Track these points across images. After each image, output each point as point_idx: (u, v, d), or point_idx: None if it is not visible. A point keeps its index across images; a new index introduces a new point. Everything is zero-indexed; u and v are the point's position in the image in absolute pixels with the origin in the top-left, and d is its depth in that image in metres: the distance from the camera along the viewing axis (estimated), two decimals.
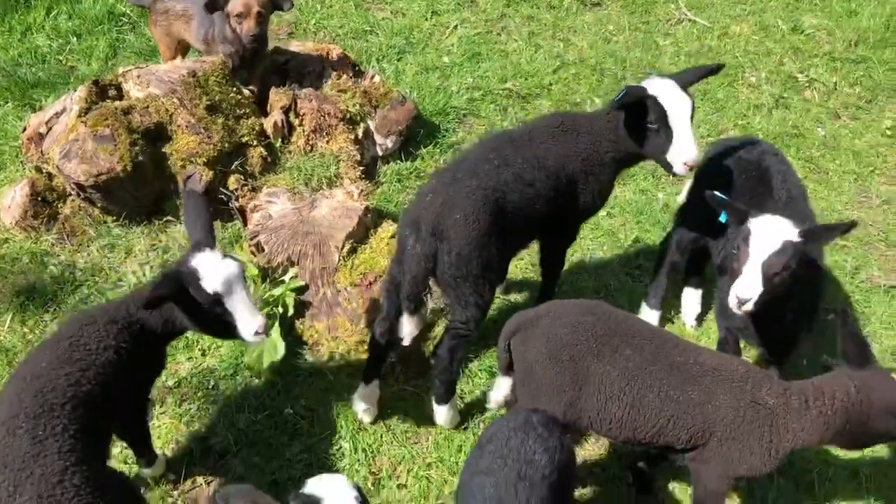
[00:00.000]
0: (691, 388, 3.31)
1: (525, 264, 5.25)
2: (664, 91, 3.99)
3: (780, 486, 4.15)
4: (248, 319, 3.30)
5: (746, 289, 3.50)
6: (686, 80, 4.12)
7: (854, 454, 4.20)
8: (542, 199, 4.06)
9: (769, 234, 3.51)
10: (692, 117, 4.02)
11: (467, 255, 3.82)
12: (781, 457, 3.33)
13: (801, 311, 3.96)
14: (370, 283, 4.54)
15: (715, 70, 4.32)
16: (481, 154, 4.04)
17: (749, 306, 3.51)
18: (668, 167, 4.10)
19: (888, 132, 6.82)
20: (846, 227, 3.61)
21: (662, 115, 3.97)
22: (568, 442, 3.20)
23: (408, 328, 4.00)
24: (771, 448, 3.31)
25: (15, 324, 4.58)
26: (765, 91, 7.08)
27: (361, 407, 4.27)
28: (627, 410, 3.35)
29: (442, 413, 4.23)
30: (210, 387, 4.36)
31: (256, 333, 3.32)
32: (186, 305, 3.30)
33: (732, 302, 3.53)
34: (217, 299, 3.24)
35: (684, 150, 4.01)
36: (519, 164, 4.00)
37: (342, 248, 4.61)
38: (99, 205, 5.08)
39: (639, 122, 4.05)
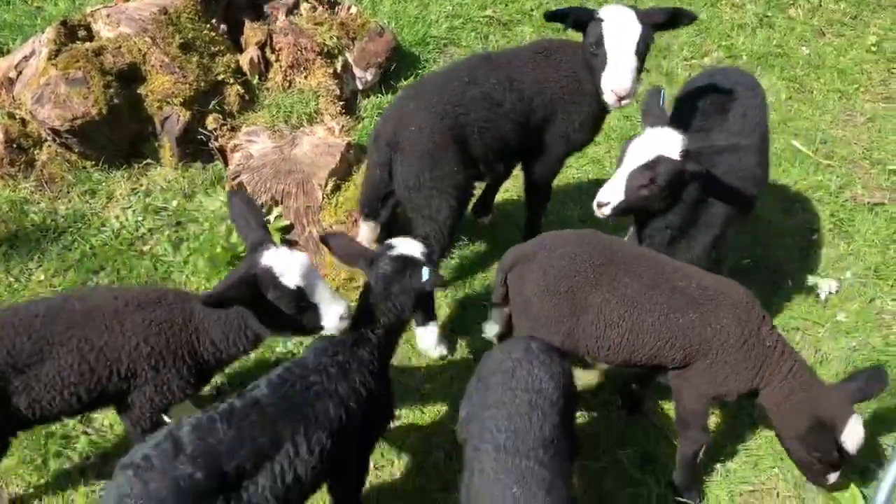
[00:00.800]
0: (693, 312, 3.36)
1: (511, 196, 5.23)
2: (612, 16, 3.86)
3: None
4: (333, 307, 3.13)
5: (606, 193, 3.52)
6: (653, 16, 3.94)
7: (841, 367, 4.29)
8: (510, 121, 4.03)
9: (648, 144, 3.48)
10: (640, 50, 3.84)
11: (418, 166, 3.84)
12: (752, 388, 3.45)
13: (694, 236, 3.86)
14: (356, 221, 4.51)
15: (688, 18, 4.05)
16: (453, 73, 4.04)
17: (607, 210, 3.53)
18: (599, 95, 3.97)
19: (873, 49, 6.76)
20: (730, 147, 3.59)
21: (600, 39, 3.85)
22: (567, 364, 3.25)
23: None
24: (754, 379, 3.41)
25: (0, 273, 4.54)
26: (749, 10, 6.96)
27: None
28: (626, 336, 3.40)
29: (424, 336, 4.24)
30: None
31: (342, 319, 3.15)
32: (261, 308, 3.10)
33: (595, 203, 3.55)
34: (301, 293, 3.06)
35: (615, 79, 3.85)
36: (490, 84, 3.97)
37: (325, 186, 4.57)
38: (76, 150, 4.98)
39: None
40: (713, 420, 4.01)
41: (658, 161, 3.43)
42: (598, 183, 5.41)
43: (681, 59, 6.41)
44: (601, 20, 3.86)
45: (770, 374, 3.42)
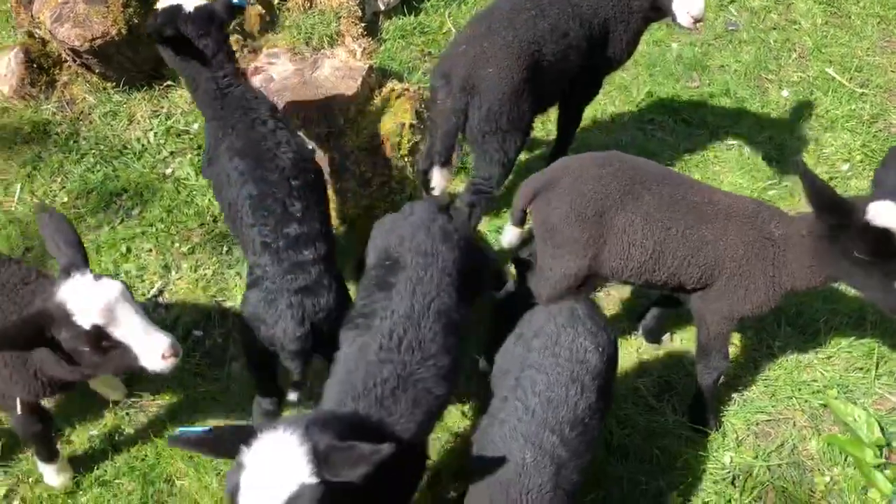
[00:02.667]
0: (705, 227, 3.34)
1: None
2: None
3: (786, 333, 4.23)
4: (146, 344, 2.69)
5: None
6: None
7: (862, 303, 4.26)
8: (574, 50, 3.93)
9: None
10: None
11: (497, 110, 3.75)
12: (783, 293, 3.38)
13: None
14: (377, 147, 4.47)
15: None
16: (516, 3, 3.87)
17: None
18: (673, 18, 3.89)
19: None
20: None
21: None
22: (613, 333, 3.18)
23: (437, 179, 4.00)
24: (774, 283, 3.37)
25: (25, 194, 4.58)
26: None
27: None
28: (650, 254, 3.38)
29: None
30: (224, 251, 4.39)
31: (164, 357, 2.71)
32: (59, 349, 2.70)
33: None
34: (98, 334, 2.63)
35: (691, 2, 3.77)
36: (555, 14, 3.85)
37: (347, 111, 4.51)
38: (97, 70, 4.94)
39: None
40: (731, 350, 4.01)
41: None
42: (624, 108, 5.33)
43: None
44: None
45: (799, 262, 3.30)
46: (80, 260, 2.75)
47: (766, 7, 6.10)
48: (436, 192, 4.28)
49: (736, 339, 4.14)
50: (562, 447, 2.75)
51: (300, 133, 4.51)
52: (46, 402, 3.49)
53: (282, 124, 3.57)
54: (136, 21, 4.74)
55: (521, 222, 3.62)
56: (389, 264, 3.07)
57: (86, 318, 2.61)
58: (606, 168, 3.41)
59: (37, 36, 4.95)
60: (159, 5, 3.54)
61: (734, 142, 5.21)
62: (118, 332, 2.65)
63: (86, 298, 2.62)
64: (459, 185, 4.61)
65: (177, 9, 3.50)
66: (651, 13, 4.14)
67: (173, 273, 4.30)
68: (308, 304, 3.13)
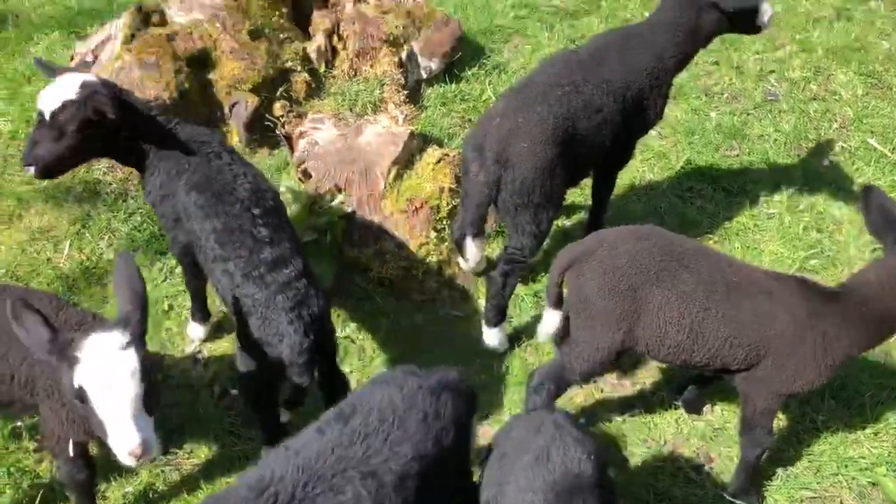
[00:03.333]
0: (747, 306, 3.29)
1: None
2: None
3: (830, 406, 4.12)
4: (119, 434, 2.62)
5: None
6: None
7: None
8: (608, 124, 3.98)
9: None
10: None
11: (531, 183, 3.78)
12: (837, 366, 3.33)
13: None
14: (416, 210, 4.53)
15: None
16: (551, 78, 3.93)
17: None
18: (757, 29, 4.17)
19: None
20: None
21: None
22: (598, 444, 2.97)
23: (471, 251, 4.04)
24: (826, 359, 3.30)
25: (73, 251, 4.70)
26: (826, 3, 6.73)
27: None
28: (686, 333, 3.33)
29: (491, 336, 4.26)
30: None
31: (130, 455, 2.63)
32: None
33: None
34: (81, 395, 2.61)
35: (768, 9, 4.07)
36: (589, 90, 3.90)
37: (388, 175, 4.59)
38: None
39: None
40: (774, 423, 3.91)
41: None
42: (663, 175, 5.35)
43: (752, 53, 6.25)
44: None
45: (849, 334, 3.29)
46: (135, 316, 2.73)
47: (805, 78, 6.13)
48: (470, 263, 4.33)
49: (779, 411, 4.04)
50: None
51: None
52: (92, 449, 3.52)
53: (235, 156, 3.68)
54: (186, 86, 4.93)
55: (558, 301, 3.58)
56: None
57: (82, 375, 2.60)
58: (642, 242, 3.40)
59: None
60: (63, 95, 3.31)
61: (774, 211, 5.18)
62: (100, 408, 2.62)
63: (97, 359, 2.61)
64: (497, 249, 4.64)
65: (95, 91, 3.33)
66: (683, 64, 4.23)
67: (213, 331, 4.35)
68: (305, 316, 3.24)
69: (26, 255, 4.67)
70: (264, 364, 3.33)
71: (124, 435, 2.63)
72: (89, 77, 3.40)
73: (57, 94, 3.30)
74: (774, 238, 5.00)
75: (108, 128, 3.40)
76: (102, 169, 5.07)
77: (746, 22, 4.11)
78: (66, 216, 4.86)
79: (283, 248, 3.37)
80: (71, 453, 3.15)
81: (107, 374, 2.60)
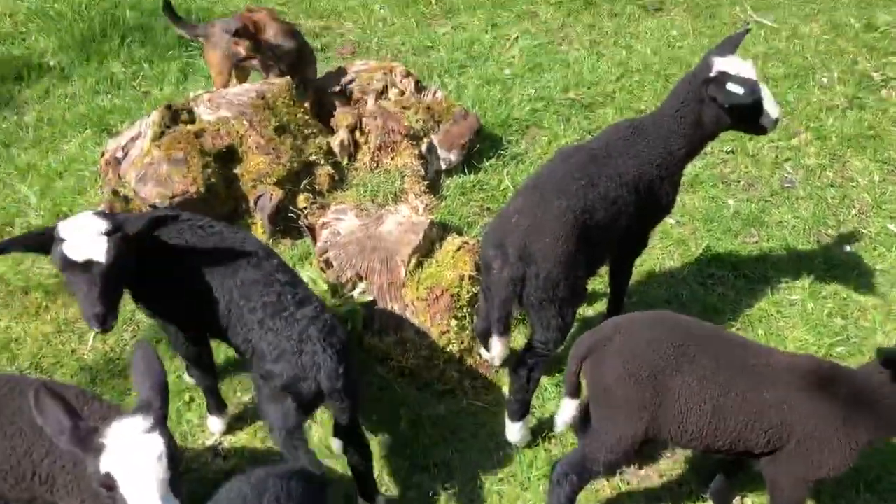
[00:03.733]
0: (766, 390, 3.25)
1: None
2: (739, 67, 4.00)
3: (865, 499, 3.99)
4: None
5: None
6: (731, 49, 4.13)
7: None
8: (624, 214, 4.03)
9: None
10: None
11: (555, 278, 3.79)
12: (860, 449, 3.25)
13: None
14: (437, 298, 4.56)
15: (743, 34, 4.30)
16: (566, 172, 3.99)
17: None
18: (762, 130, 4.17)
19: None
20: None
21: (749, 88, 3.95)
22: None
23: (497, 349, 4.00)
24: (850, 442, 3.23)
25: (97, 342, 4.74)
26: (838, 92, 6.86)
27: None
28: (708, 419, 3.29)
29: (514, 430, 4.20)
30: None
31: None
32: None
33: None
34: (107, 482, 2.57)
35: (773, 107, 4.08)
36: (604, 183, 3.96)
37: (408, 263, 4.64)
38: None
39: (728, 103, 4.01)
40: None
41: None
42: (683, 263, 5.36)
43: (767, 141, 6.34)
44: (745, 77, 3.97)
45: (872, 418, 3.23)
46: (157, 401, 2.74)
47: (821, 165, 6.19)
48: (496, 361, 4.32)
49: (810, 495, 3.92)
50: None
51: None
52: None
53: (223, 224, 3.84)
54: (213, 180, 5.06)
55: (575, 391, 3.55)
56: None
57: (107, 463, 2.59)
58: (659, 328, 3.40)
59: (121, 194, 5.29)
60: (88, 253, 3.23)
61: (797, 297, 5.15)
62: (127, 492, 2.57)
63: (123, 444, 2.61)
64: (519, 338, 4.63)
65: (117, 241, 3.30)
66: (693, 154, 4.29)
67: (233, 422, 4.33)
68: (337, 344, 3.44)
69: (51, 347, 4.71)
70: (301, 403, 3.43)
71: None
72: (101, 224, 3.30)
73: (82, 250, 3.24)
74: (798, 325, 4.96)
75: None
76: None
77: (750, 120, 4.11)
78: None
79: (304, 290, 3.64)
80: None
81: (134, 457, 2.58)
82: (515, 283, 3.81)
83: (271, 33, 5.62)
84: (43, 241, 3.29)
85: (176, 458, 2.68)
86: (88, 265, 3.22)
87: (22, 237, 3.40)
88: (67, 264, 3.23)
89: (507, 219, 3.92)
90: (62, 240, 3.22)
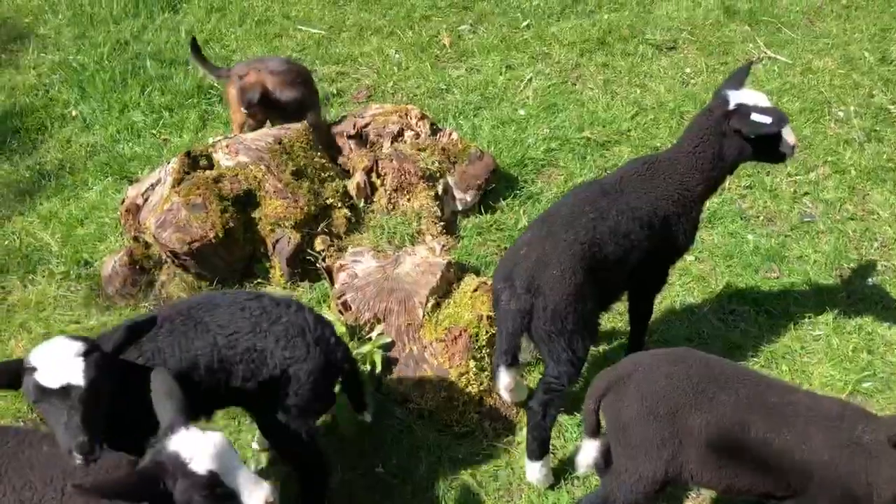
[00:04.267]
0: (786, 430, 3.18)
1: (612, 313, 5.15)
2: (756, 98, 4.06)
3: None
4: (254, 491, 2.83)
5: None
6: (739, 83, 4.19)
7: None
8: (636, 249, 4.01)
9: None
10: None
11: (563, 310, 3.78)
12: (885, 501, 3.14)
13: None
14: (455, 338, 4.53)
15: (747, 67, 4.35)
16: (576, 206, 4.00)
17: None
18: (781, 157, 4.19)
19: None
20: None
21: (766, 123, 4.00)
22: None
23: (504, 381, 3.96)
24: (871, 491, 3.14)
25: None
26: (854, 125, 6.84)
27: None
28: (727, 458, 3.22)
29: (535, 470, 4.14)
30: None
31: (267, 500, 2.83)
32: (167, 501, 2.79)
33: None
34: (213, 480, 2.76)
35: (790, 136, 4.12)
36: (614, 217, 3.96)
37: (426, 304, 4.63)
38: (193, 271, 5.26)
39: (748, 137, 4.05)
40: None
41: None
42: (704, 299, 5.30)
43: (785, 176, 6.31)
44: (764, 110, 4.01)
45: (886, 477, 3.12)
46: (185, 419, 2.87)
47: (840, 198, 6.14)
48: (504, 393, 4.26)
49: None
50: None
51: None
52: None
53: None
54: (231, 225, 5.10)
55: (594, 430, 3.50)
56: None
57: (201, 464, 2.74)
58: (678, 365, 3.35)
59: (141, 240, 5.35)
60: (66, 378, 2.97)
61: (821, 332, 5.08)
62: (229, 479, 2.79)
63: (198, 448, 2.77)
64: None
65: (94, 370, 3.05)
66: (713, 190, 4.28)
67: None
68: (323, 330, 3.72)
69: None
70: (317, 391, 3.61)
71: (260, 488, 2.82)
72: (74, 346, 3.07)
73: (57, 375, 2.98)
74: (823, 361, 4.87)
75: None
76: (149, 306, 5.19)
77: (770, 149, 4.14)
78: None
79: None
80: None
81: (218, 450, 2.80)
82: (523, 315, 3.80)
83: (270, 87, 5.74)
84: (10, 374, 3.00)
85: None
86: (66, 391, 2.93)
87: None
88: (42, 394, 2.95)
89: (515, 251, 3.94)
90: (33, 369, 2.95)
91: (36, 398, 2.97)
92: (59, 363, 2.97)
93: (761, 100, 4.05)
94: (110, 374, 3.10)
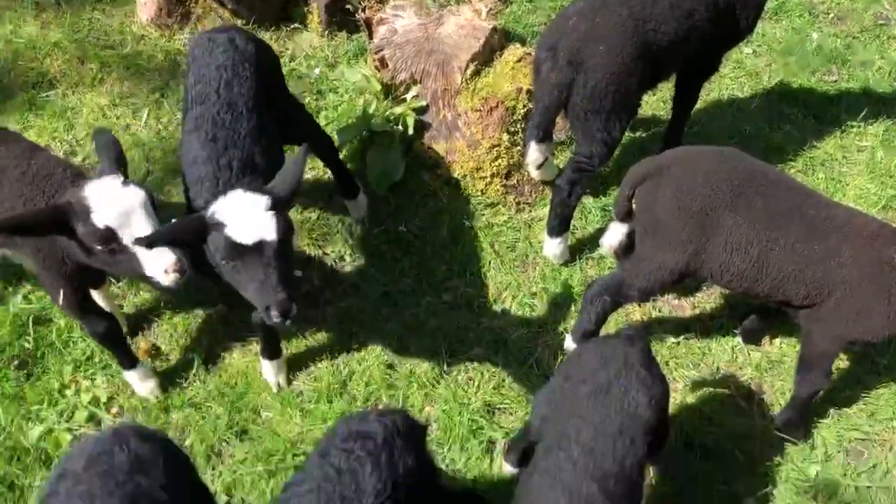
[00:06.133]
0: (817, 243, 3.17)
1: (654, 99, 4.99)
2: None
3: (894, 350, 4.01)
4: (152, 255, 2.78)
5: None
6: None
7: None
8: (696, 31, 3.77)
9: None
10: None
11: (604, 88, 3.64)
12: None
13: None
14: (491, 109, 4.43)
15: None
16: None
17: None
18: None
19: None
20: None
21: None
22: (666, 384, 3.00)
23: (533, 156, 3.92)
24: (891, 312, 3.18)
25: (151, 119, 4.78)
26: None
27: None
28: (752, 263, 3.25)
29: (552, 245, 4.22)
30: (328, 199, 4.48)
31: (167, 272, 2.81)
32: (78, 242, 2.86)
33: None
34: (109, 235, 2.75)
35: None
36: None
37: (465, 70, 4.48)
38: (229, 6, 5.08)
39: None
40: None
41: None
42: (753, 96, 5.10)
43: None
44: None
45: None
46: (117, 167, 2.89)
47: None
48: (532, 170, 4.22)
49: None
50: (603, 498, 2.62)
51: None
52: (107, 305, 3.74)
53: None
54: None
55: (626, 215, 3.49)
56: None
57: (101, 217, 2.76)
58: (722, 165, 3.28)
59: None
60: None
61: (867, 143, 4.92)
62: (128, 238, 2.79)
63: (107, 199, 2.77)
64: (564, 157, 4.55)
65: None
66: None
67: None
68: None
69: (107, 119, 4.76)
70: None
71: (161, 253, 2.80)
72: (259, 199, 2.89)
73: (251, 230, 2.82)
74: (863, 172, 4.76)
75: None
76: (184, 40, 5.09)
77: None
78: (147, 85, 4.92)
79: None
80: (60, 301, 3.28)
81: (128, 206, 2.78)
82: (562, 89, 3.68)
83: None
84: (195, 229, 2.86)
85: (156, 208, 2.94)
86: (260, 246, 2.79)
87: (167, 229, 2.87)
88: (234, 250, 2.80)
89: (564, 20, 3.73)
90: (222, 224, 2.80)
91: (227, 255, 2.82)
92: (251, 218, 2.80)
93: None
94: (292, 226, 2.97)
